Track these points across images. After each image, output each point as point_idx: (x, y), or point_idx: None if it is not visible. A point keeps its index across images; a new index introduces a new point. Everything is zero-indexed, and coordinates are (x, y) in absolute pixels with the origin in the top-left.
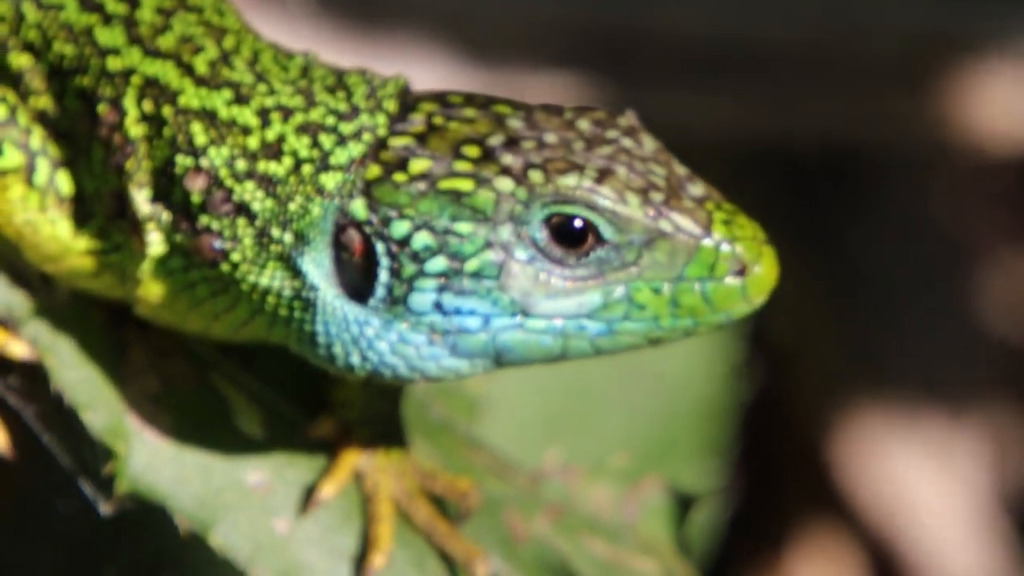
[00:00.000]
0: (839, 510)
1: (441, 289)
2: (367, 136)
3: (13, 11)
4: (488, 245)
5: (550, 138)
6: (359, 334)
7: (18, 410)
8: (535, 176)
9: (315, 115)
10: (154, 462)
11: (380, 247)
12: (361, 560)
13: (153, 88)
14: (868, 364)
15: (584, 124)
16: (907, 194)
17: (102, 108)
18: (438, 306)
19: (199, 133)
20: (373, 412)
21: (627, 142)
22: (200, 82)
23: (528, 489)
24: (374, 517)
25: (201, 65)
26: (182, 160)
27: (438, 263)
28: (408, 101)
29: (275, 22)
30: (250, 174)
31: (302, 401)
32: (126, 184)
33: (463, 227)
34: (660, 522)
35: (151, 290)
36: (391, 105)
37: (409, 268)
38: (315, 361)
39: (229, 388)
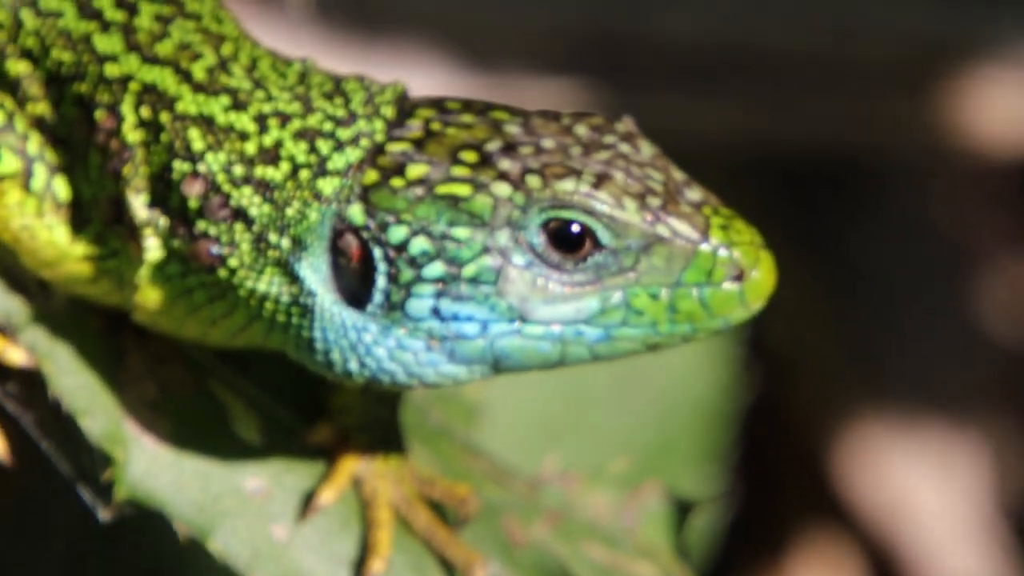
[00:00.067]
0: (838, 515)
1: (439, 295)
2: (365, 142)
3: (11, 18)
4: (486, 250)
5: (548, 143)
6: (357, 340)
7: (16, 417)
8: (533, 181)
9: (313, 121)
10: (152, 468)
11: (378, 252)
12: (360, 566)
13: (151, 94)
14: (867, 369)
15: (582, 129)
16: (906, 199)
17: (100, 114)
18: (436, 312)
19: (197, 139)
20: (371, 418)
21: (625, 147)
22: (198, 88)
23: (527, 495)
24: (373, 523)
25: (199, 72)
26: (179, 166)
27: (436, 268)
28: (406, 107)
29: (274, 29)
30: (247, 179)
31: (300, 407)
32: (123, 190)
33: (460, 232)
34: (659, 528)
35: (148, 296)
36: (389, 111)
37: (407, 273)
38: (313, 367)
39: (227, 394)
